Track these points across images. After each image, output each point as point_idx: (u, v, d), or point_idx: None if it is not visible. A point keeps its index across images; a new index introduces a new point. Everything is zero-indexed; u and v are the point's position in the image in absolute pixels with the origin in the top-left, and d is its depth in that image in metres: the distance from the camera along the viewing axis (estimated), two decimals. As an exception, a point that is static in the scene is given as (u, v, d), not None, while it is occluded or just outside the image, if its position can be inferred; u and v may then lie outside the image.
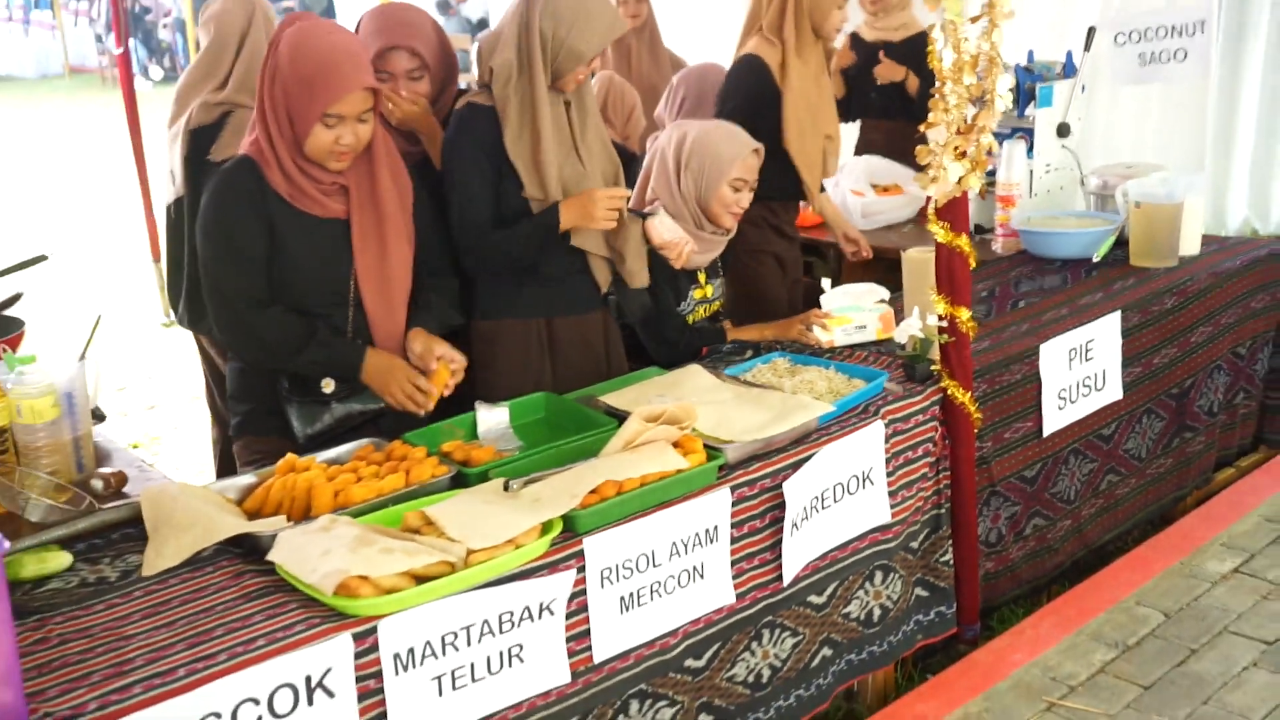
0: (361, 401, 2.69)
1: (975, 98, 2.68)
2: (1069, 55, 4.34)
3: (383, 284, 2.68)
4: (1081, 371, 3.32)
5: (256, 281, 2.59)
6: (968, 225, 2.81)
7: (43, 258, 3.23)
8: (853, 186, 4.81)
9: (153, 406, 5.67)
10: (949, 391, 2.89)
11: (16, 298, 3.13)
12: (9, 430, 2.46)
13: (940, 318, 2.85)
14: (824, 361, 3.00)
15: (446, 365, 2.68)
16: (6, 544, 1.72)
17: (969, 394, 2.89)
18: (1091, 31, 4.32)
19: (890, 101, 5.15)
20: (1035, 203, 4.19)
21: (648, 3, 5.17)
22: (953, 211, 2.76)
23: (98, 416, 2.78)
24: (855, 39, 5.28)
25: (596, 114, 3.06)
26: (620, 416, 2.65)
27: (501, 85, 2.87)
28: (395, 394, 2.65)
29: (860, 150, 5.34)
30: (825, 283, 4.81)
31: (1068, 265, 3.83)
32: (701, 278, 3.36)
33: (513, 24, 2.89)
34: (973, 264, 2.83)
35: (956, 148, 2.67)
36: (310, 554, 2.07)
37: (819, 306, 3.33)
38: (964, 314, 2.84)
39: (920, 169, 2.73)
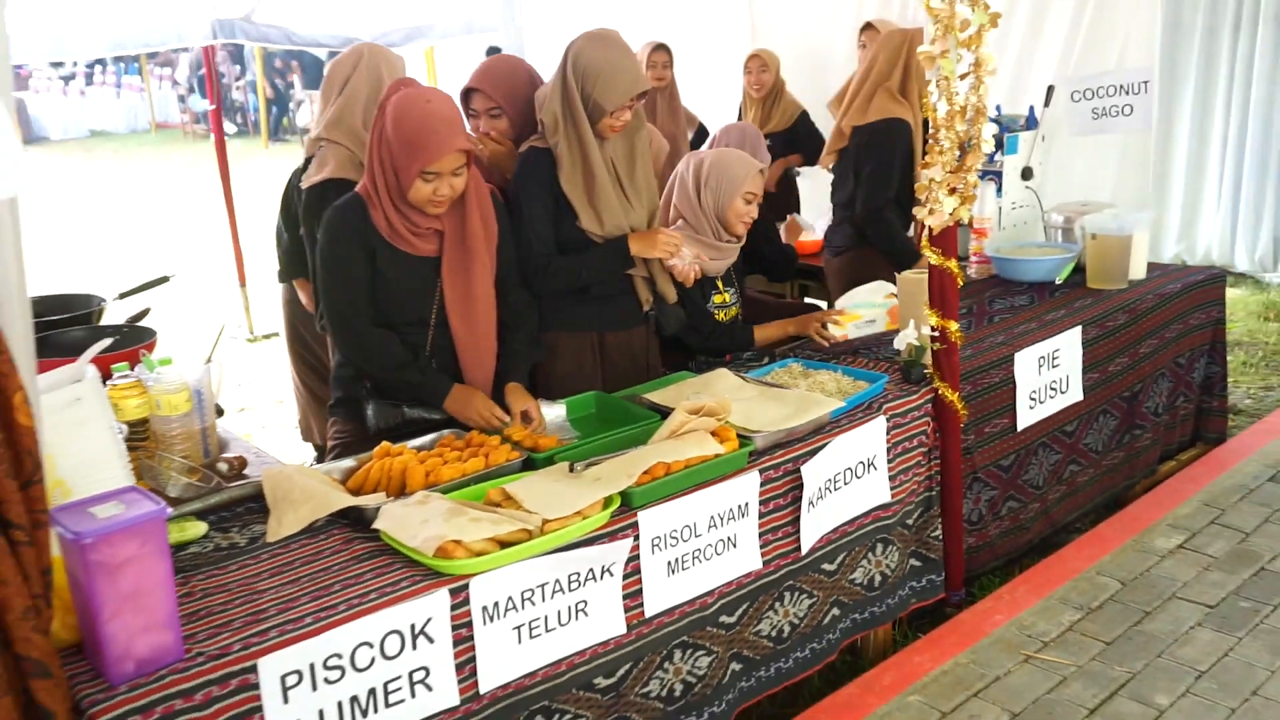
0: (428, 410, 2.73)
1: (964, 142, 2.74)
2: (1030, 109, 4.40)
3: (468, 312, 2.73)
4: (1049, 376, 3.37)
5: (363, 302, 2.66)
6: (956, 251, 2.86)
7: (166, 278, 3.29)
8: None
9: (242, 410, 5.72)
10: (940, 391, 2.94)
11: (146, 312, 3.19)
12: (149, 421, 2.51)
13: (933, 329, 2.91)
14: (833, 366, 3.05)
15: (524, 427, 2.70)
16: (169, 509, 1.77)
17: (956, 394, 2.94)
18: (1050, 90, 4.38)
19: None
20: (1004, 235, 4.25)
21: (671, 67, 5.27)
22: (945, 239, 2.82)
23: (219, 412, 2.84)
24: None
25: (645, 159, 3.09)
26: (661, 411, 2.71)
27: (552, 132, 2.93)
28: (474, 418, 2.68)
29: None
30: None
31: (1033, 287, 3.88)
32: (720, 285, 3.41)
33: (555, 80, 2.95)
34: (960, 284, 2.89)
35: (949, 185, 2.72)
36: (411, 523, 2.12)
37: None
38: (953, 326, 2.89)
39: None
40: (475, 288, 2.73)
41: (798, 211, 5.58)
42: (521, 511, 2.17)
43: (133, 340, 2.93)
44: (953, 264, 2.84)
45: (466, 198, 2.69)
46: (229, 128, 18.35)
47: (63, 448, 2.01)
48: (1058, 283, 3.87)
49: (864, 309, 3.27)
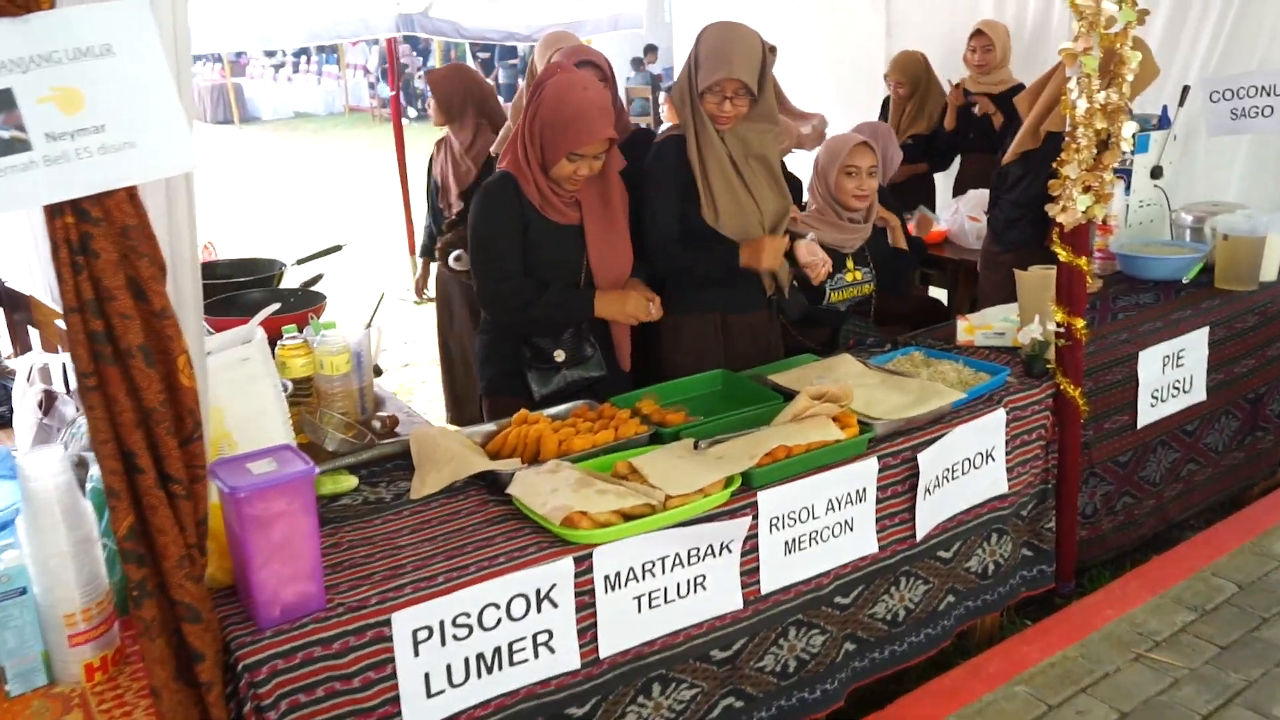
0: (585, 369, 2.64)
1: (1101, 140, 2.46)
2: (1164, 108, 4.01)
3: (611, 272, 2.65)
4: (1172, 375, 3.05)
5: (514, 266, 2.56)
6: (1089, 249, 2.59)
7: (339, 247, 3.26)
8: (970, 213, 4.56)
9: (406, 365, 5.76)
10: (1061, 387, 2.68)
11: (319, 277, 3.17)
12: (313, 379, 2.47)
13: (1058, 324, 2.64)
14: (955, 356, 2.81)
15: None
16: (317, 468, 1.70)
17: (1079, 390, 2.67)
18: (1186, 90, 3.98)
19: (984, 139, 4.87)
20: (1129, 232, 3.89)
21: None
22: (1076, 237, 2.55)
23: (377, 372, 2.79)
24: (964, 90, 4.99)
25: (767, 158, 2.81)
26: (785, 393, 2.54)
27: (678, 114, 2.76)
28: (629, 309, 2.62)
29: (961, 177, 5.08)
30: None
31: (1159, 286, 3.53)
32: (849, 263, 3.18)
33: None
34: (1090, 284, 2.61)
35: (1084, 183, 2.45)
36: (541, 490, 2.01)
37: (939, 319, 3.15)
38: (1079, 323, 2.63)
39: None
40: (617, 250, 2.65)
41: (931, 207, 5.27)
42: (646, 486, 2.04)
43: (304, 304, 2.90)
44: (1082, 261, 2.57)
45: (607, 173, 2.61)
46: (410, 112, 18.67)
47: (231, 403, 1.96)
48: (1184, 282, 3.51)
49: (995, 322, 3.01)
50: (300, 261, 3.24)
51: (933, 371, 2.72)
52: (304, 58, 22.96)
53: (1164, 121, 3.99)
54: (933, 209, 5.16)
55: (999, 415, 2.56)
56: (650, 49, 15.50)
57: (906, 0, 5.67)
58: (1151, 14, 2.49)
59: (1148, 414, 3.01)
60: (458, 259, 3.78)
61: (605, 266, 2.62)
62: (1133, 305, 3.36)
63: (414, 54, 20.98)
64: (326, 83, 22.67)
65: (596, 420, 2.43)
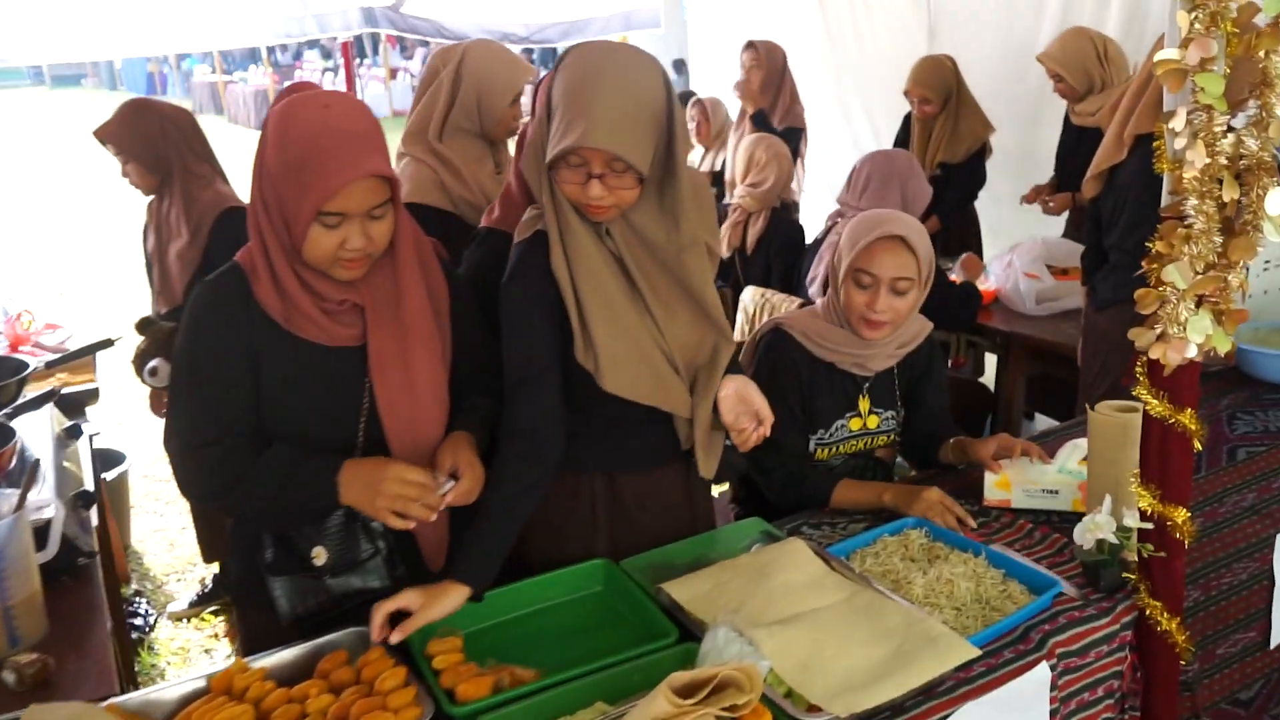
0: (361, 577, 1.66)
1: (1226, 219, 1.41)
2: (1301, 134, 2.88)
3: (411, 423, 1.63)
4: (1327, 562, 1.97)
5: (220, 414, 1.57)
6: (1196, 399, 1.53)
7: (109, 342, 2.34)
8: (1027, 268, 3.47)
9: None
10: (1148, 614, 1.63)
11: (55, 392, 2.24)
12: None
13: (1144, 515, 1.59)
14: (977, 546, 1.78)
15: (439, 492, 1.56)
16: None
17: (1177, 620, 1.62)
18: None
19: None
20: (1252, 306, 2.77)
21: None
22: (1181, 380, 1.49)
23: (85, 501, 1.87)
24: (1065, 121, 3.91)
25: (687, 278, 1.70)
26: (684, 625, 1.55)
27: (534, 190, 1.75)
28: (381, 503, 1.53)
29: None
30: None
31: (1298, 396, 2.44)
32: (863, 402, 2.17)
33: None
34: (1198, 446, 1.56)
35: (1199, 292, 1.40)
36: None
37: (981, 415, 2.10)
38: (1181, 515, 1.57)
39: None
40: (419, 385, 1.63)
41: (978, 250, 4.19)
42: None
43: None
44: (1188, 417, 1.52)
45: (397, 249, 1.59)
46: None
47: None
48: (1338, 395, 2.41)
49: (1050, 472, 1.96)
50: (53, 365, 2.32)
51: (934, 578, 1.69)
52: (356, 61, 22.34)
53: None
54: (980, 255, 4.08)
55: (1039, 675, 1.53)
56: (680, 65, 13.68)
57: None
58: None
59: (1287, 624, 1.94)
60: (152, 373, 2.64)
61: (401, 416, 1.63)
62: (1260, 433, 2.27)
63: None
64: (373, 85, 22.08)
65: (353, 683, 1.47)
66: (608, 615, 1.72)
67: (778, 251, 3.61)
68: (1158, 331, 1.43)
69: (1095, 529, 1.61)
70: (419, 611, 1.51)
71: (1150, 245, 1.45)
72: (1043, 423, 4.19)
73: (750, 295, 3.41)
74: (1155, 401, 1.52)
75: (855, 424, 2.17)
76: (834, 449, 2.17)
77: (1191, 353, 1.41)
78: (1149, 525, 1.58)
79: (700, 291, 1.67)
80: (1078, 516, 1.90)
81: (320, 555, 1.62)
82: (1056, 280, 3.47)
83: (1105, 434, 1.74)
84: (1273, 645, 1.92)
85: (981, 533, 1.90)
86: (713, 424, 1.77)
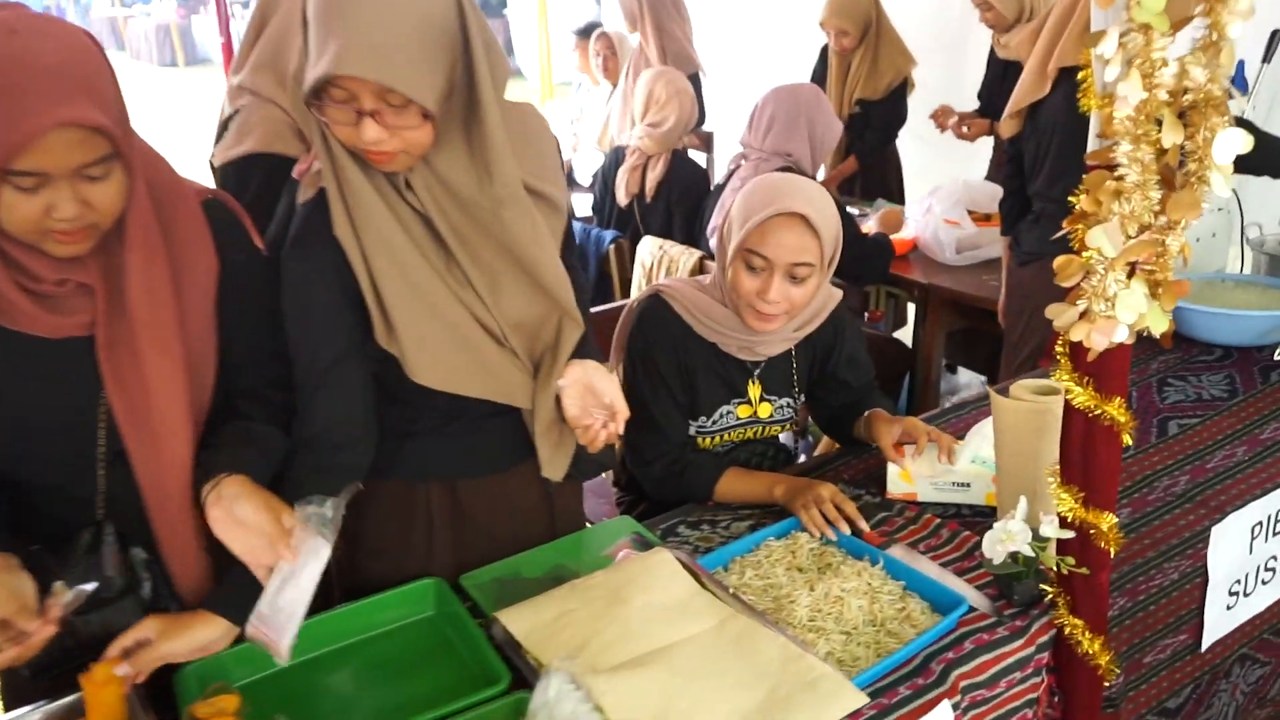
0: (121, 616, 1.32)
1: (1167, 168, 1.14)
2: (1239, 66, 2.65)
3: (152, 435, 1.30)
4: (1265, 552, 1.76)
5: None
6: (1126, 387, 1.27)
7: None
8: (946, 214, 3.22)
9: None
10: (1068, 633, 1.39)
11: None
12: None
13: (1064, 522, 1.34)
14: (874, 553, 1.53)
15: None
16: None
17: (1100, 639, 1.38)
18: (1275, 37, 2.61)
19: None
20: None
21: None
22: (1110, 365, 1.23)
23: None
24: (991, 54, 3.63)
25: (512, 242, 1.37)
26: (515, 665, 1.28)
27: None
28: None
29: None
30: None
31: (1233, 357, 2.23)
32: (753, 387, 1.89)
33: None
34: (1128, 441, 1.30)
35: (1132, 259, 1.13)
36: None
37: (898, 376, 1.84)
38: (1107, 522, 1.32)
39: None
40: (151, 386, 1.27)
41: (899, 193, 3.93)
42: None
43: None
44: (1115, 409, 1.26)
45: (126, 217, 1.23)
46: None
47: None
48: (1278, 357, 2.19)
49: (960, 460, 1.71)
50: None
51: (822, 594, 1.43)
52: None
53: (1239, 83, 2.63)
54: (902, 200, 3.83)
55: (941, 716, 1.28)
56: None
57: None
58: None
59: (1221, 623, 1.72)
60: None
61: (139, 425, 1.28)
62: (1192, 402, 2.05)
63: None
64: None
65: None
66: (438, 647, 1.44)
67: (679, 198, 3.30)
68: (1080, 308, 1.16)
69: (1008, 539, 1.36)
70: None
71: (1074, 200, 1.18)
72: (966, 377, 3.99)
73: (648, 247, 3.10)
74: (1078, 389, 1.26)
75: (744, 411, 1.89)
76: (718, 438, 1.89)
77: (1121, 335, 1.15)
78: (1069, 534, 1.33)
79: (529, 257, 1.36)
80: (991, 512, 1.67)
81: (62, 591, 1.30)
82: (978, 227, 3.22)
83: (1016, 423, 1.48)
84: (1204, 648, 1.71)
85: (884, 528, 1.65)
86: (559, 417, 1.47)
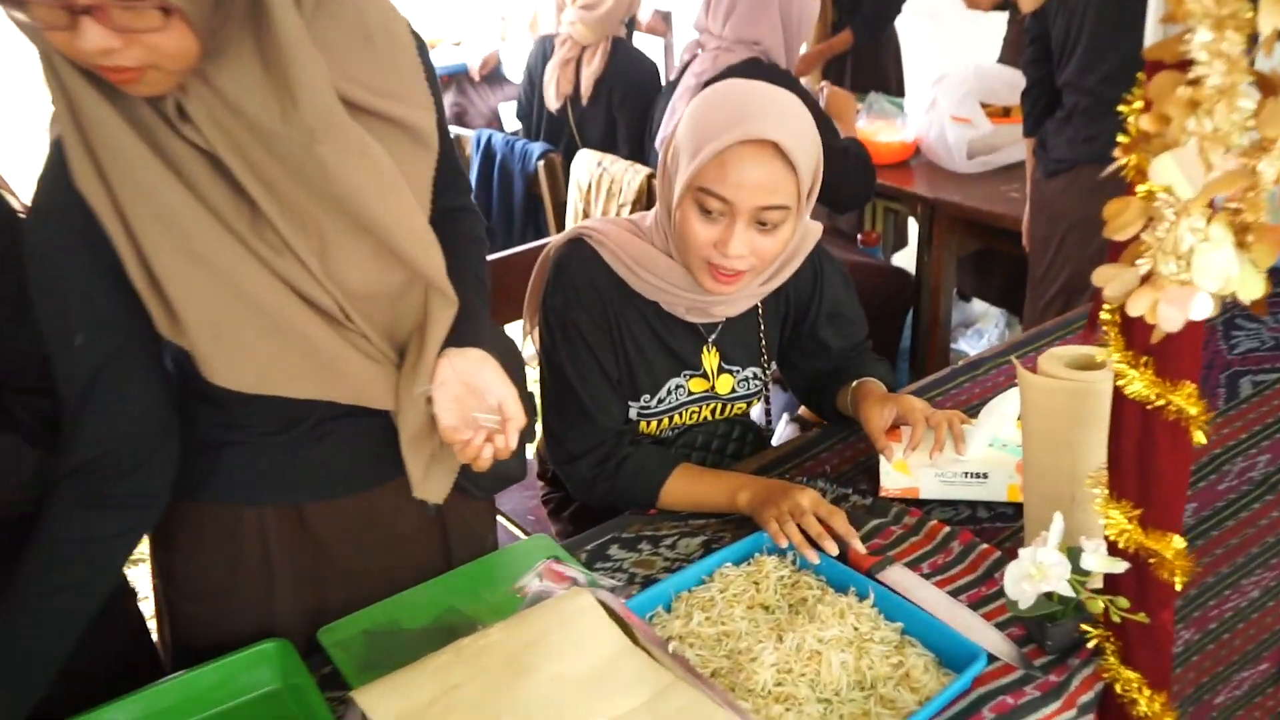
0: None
1: (1264, 80, 0.90)
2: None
3: None
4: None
5: None
6: (1197, 368, 1.05)
7: None
8: (955, 109, 2.97)
9: None
10: (1120, 689, 1.19)
11: None
12: None
13: (1113, 546, 1.13)
14: (862, 583, 1.32)
15: None
16: None
17: (1163, 696, 1.19)
18: None
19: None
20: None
21: None
22: (1172, 339, 1.00)
23: None
24: None
25: (352, 192, 1.12)
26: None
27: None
28: None
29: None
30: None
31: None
32: (708, 354, 1.67)
33: None
34: (1200, 439, 1.08)
35: (1220, 204, 0.90)
36: None
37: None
38: (1172, 547, 1.11)
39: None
40: None
41: (897, 81, 3.66)
42: None
43: None
44: (1185, 400, 1.04)
45: None
46: None
47: None
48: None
49: (972, 444, 1.50)
50: None
51: (794, 647, 1.22)
52: None
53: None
54: (901, 93, 3.57)
55: (951, 820, 1.09)
56: None
57: None
58: None
59: (1309, 642, 1.53)
60: None
61: None
62: (1271, 351, 1.84)
63: None
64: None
65: None
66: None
67: (622, 100, 3.03)
68: (1141, 271, 0.93)
69: (1038, 575, 1.15)
70: None
71: (1125, 104, 0.94)
72: (983, 307, 3.78)
73: (584, 163, 2.85)
74: (1133, 374, 1.04)
75: (698, 385, 1.67)
76: (666, 420, 1.67)
77: (1202, 308, 0.92)
78: (1121, 565, 1.12)
79: (365, 210, 1.10)
80: (1016, 511, 1.47)
81: None
82: (995, 124, 2.98)
83: (1049, 407, 1.26)
84: (1290, 675, 1.53)
85: (877, 540, 1.45)
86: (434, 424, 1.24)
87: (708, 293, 1.53)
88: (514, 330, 1.77)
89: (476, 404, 1.20)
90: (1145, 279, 0.94)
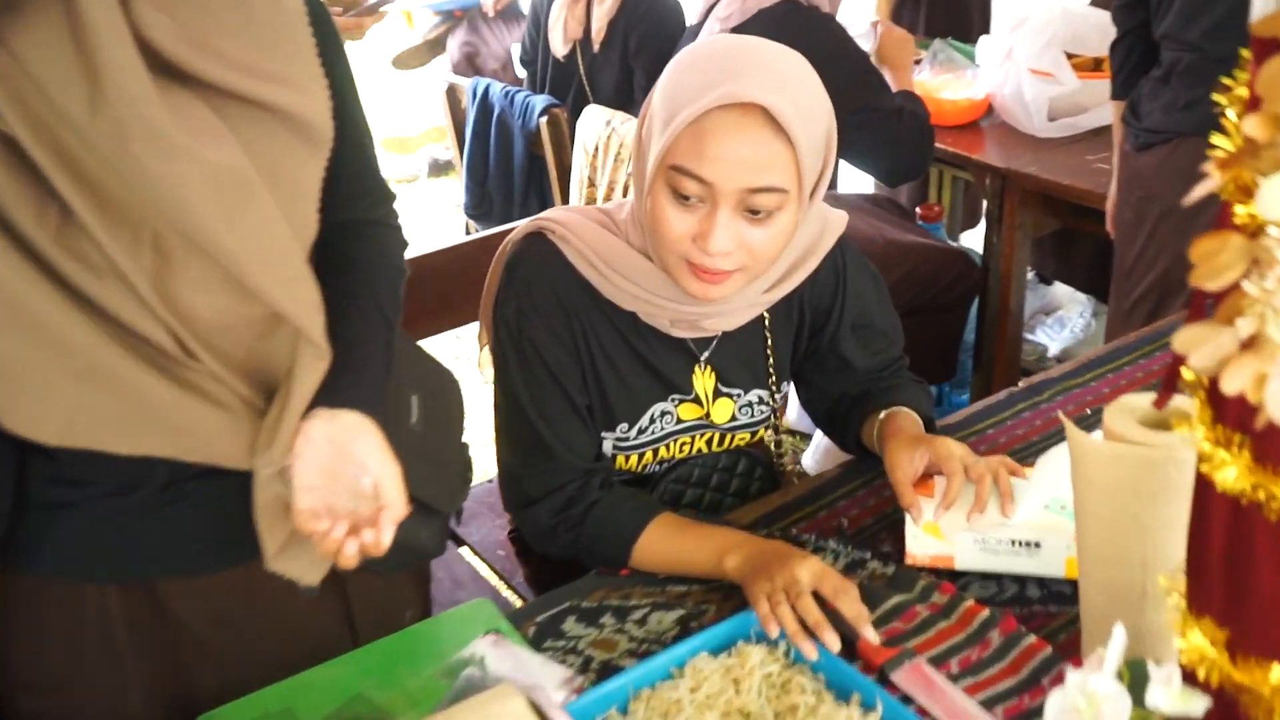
0: None
1: None
2: None
3: None
4: None
5: None
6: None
7: None
8: (1034, 61, 2.76)
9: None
10: None
11: None
12: None
13: (1191, 676, 0.95)
14: (868, 687, 1.15)
15: None
16: None
17: None
18: None
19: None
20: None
21: None
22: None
23: None
24: None
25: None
26: None
27: None
28: None
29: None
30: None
31: None
32: (704, 376, 1.50)
33: None
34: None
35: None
36: None
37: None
38: (1273, 681, 0.93)
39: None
40: None
41: (966, 24, 3.45)
42: None
43: None
44: (1296, 491, 0.85)
45: None
46: None
47: None
48: None
49: (1022, 508, 1.34)
50: None
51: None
52: None
53: None
54: (971, 37, 3.35)
55: None
56: None
57: None
58: None
59: None
60: None
61: None
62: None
63: None
64: None
65: None
66: None
67: (639, 46, 2.86)
68: (1242, 334, 0.74)
69: (1089, 713, 0.97)
70: None
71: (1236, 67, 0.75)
72: (1065, 291, 3.57)
73: (591, 121, 2.68)
74: (1224, 455, 0.86)
75: (690, 412, 1.51)
76: (650, 454, 1.51)
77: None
78: (1202, 704, 0.94)
79: (203, 233, 0.95)
80: (1076, 590, 1.29)
81: None
82: (1082, 79, 2.76)
83: (1110, 482, 1.07)
84: None
85: (895, 625, 1.28)
86: None
87: (693, 299, 1.36)
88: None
89: (346, 485, 1.04)
90: (1247, 344, 0.75)
